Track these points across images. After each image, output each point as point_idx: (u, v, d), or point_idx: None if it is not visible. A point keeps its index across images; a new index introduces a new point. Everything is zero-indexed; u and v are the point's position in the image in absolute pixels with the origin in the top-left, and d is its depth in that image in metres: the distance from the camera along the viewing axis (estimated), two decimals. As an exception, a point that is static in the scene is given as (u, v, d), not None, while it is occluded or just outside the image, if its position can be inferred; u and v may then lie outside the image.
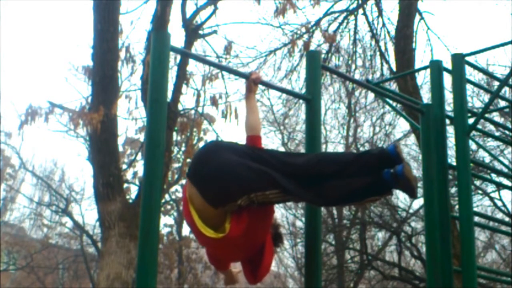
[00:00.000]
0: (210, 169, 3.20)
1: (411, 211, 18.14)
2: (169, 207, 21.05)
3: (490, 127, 12.28)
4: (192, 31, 10.83)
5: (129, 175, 14.35)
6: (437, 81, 4.67)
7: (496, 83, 8.62)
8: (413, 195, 3.42)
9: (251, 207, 3.24)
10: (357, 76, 13.12)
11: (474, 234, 4.40)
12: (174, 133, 11.10)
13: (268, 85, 8.93)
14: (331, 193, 3.38)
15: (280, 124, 17.85)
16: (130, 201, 9.33)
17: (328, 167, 3.38)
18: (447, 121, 4.77)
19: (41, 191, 25.21)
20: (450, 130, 6.37)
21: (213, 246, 3.34)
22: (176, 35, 12.70)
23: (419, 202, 17.90)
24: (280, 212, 20.67)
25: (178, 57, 10.34)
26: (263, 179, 3.22)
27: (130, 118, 11.43)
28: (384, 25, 12.92)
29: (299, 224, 20.36)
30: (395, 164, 3.39)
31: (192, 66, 15.49)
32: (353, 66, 13.30)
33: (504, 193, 15.90)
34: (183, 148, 16.28)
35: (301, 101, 12.63)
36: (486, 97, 12.76)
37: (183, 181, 19.59)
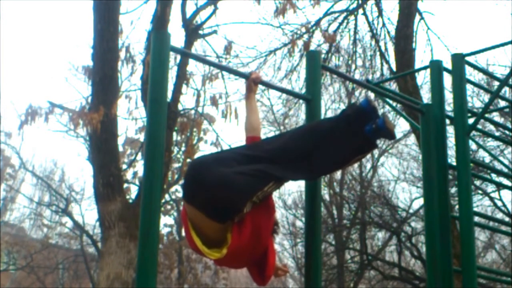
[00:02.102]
0: (208, 188, 3.13)
1: (411, 211, 18.16)
2: (169, 207, 21.04)
3: (490, 127, 12.28)
4: (192, 31, 10.83)
5: (129, 175, 14.35)
6: (437, 81, 4.67)
7: (496, 83, 8.62)
8: (393, 138, 3.63)
9: (252, 211, 3.23)
10: (357, 76, 13.12)
11: (474, 234, 4.39)
12: (174, 133, 11.10)
13: (268, 85, 8.92)
14: (320, 166, 3.45)
15: (280, 124, 17.84)
16: (130, 201, 9.33)
17: (309, 142, 3.41)
18: (447, 121, 4.77)
19: (41, 191, 25.21)
20: (450, 130, 6.37)
21: (224, 261, 3.32)
22: (176, 35, 12.71)
23: (419, 202, 17.94)
24: (280, 212, 20.68)
25: (178, 57, 10.34)
26: (257, 178, 3.22)
27: (130, 118, 11.46)
28: (384, 25, 12.93)
29: (299, 224, 20.38)
30: (371, 117, 3.46)
31: (192, 66, 15.49)
32: (353, 66, 13.30)
33: (504, 193, 15.92)
34: (183, 148, 16.28)
35: (301, 101, 12.63)
36: (486, 97, 12.76)
37: (183, 181, 19.61)
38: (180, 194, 21.07)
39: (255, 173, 3.22)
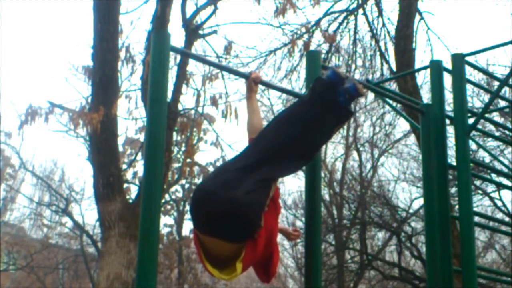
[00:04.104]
0: (224, 217, 3.07)
1: (411, 211, 18.16)
2: (169, 207, 21.05)
3: (490, 127, 12.28)
4: (192, 31, 10.82)
5: (129, 175, 14.35)
6: (437, 81, 4.66)
7: (496, 83, 8.61)
8: (362, 96, 3.70)
9: (264, 218, 3.24)
10: (357, 76, 13.11)
11: (474, 234, 4.39)
12: (174, 133, 11.10)
13: (268, 85, 8.91)
14: (308, 150, 3.49)
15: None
16: (130, 201, 9.33)
17: (292, 132, 3.40)
18: (447, 121, 4.76)
19: (41, 191, 25.20)
20: (450, 130, 6.36)
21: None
22: (176, 35, 12.70)
23: (419, 202, 17.95)
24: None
25: (178, 57, 10.34)
26: (261, 189, 3.20)
27: (130, 118, 11.46)
28: (384, 25, 12.93)
29: (299, 224, 20.37)
30: (341, 84, 3.50)
31: (192, 66, 15.48)
32: (353, 66, 13.30)
33: (504, 193, 15.93)
34: (183, 148, 16.29)
35: (301, 101, 12.59)
36: (486, 97, 12.76)
37: (183, 181, 19.63)
38: (180, 194, 21.09)
39: (258, 184, 3.19)
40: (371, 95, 15.65)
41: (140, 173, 13.20)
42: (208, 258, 3.21)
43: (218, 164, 17.83)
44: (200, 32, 11.19)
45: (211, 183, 3.23)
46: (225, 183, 3.15)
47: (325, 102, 3.46)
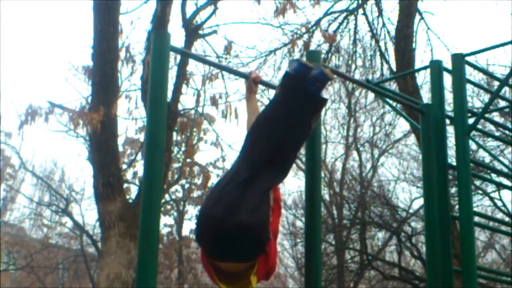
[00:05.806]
0: (235, 243, 3.07)
1: (411, 211, 18.17)
2: (169, 207, 21.05)
3: (490, 127, 12.28)
4: (192, 31, 10.82)
5: (129, 175, 14.35)
6: (437, 81, 4.66)
7: (496, 83, 8.61)
8: (331, 80, 3.59)
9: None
10: (357, 76, 13.12)
11: (474, 234, 4.39)
12: (174, 133, 11.10)
13: (268, 85, 8.88)
14: (296, 146, 3.43)
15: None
16: (130, 201, 9.33)
17: (275, 136, 3.35)
18: (447, 121, 4.76)
19: (41, 191, 25.19)
20: (450, 130, 6.36)
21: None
22: (176, 35, 12.70)
23: (419, 202, 17.95)
24: (280, 212, 20.64)
25: (178, 57, 10.34)
26: (262, 204, 3.18)
27: (130, 118, 11.46)
28: (384, 25, 12.93)
29: (299, 224, 20.38)
30: (309, 73, 3.41)
31: (192, 66, 15.49)
32: (353, 66, 13.30)
33: (504, 193, 15.93)
34: (183, 148, 16.29)
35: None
36: (486, 97, 12.76)
37: (183, 181, 19.62)
38: (180, 194, 21.09)
39: (259, 199, 3.18)
40: (371, 95, 15.69)
41: (140, 173, 13.19)
42: (220, 278, 3.19)
43: (218, 164, 17.85)
44: (200, 32, 11.18)
45: (214, 210, 3.15)
46: (228, 207, 3.11)
47: (299, 96, 3.40)
